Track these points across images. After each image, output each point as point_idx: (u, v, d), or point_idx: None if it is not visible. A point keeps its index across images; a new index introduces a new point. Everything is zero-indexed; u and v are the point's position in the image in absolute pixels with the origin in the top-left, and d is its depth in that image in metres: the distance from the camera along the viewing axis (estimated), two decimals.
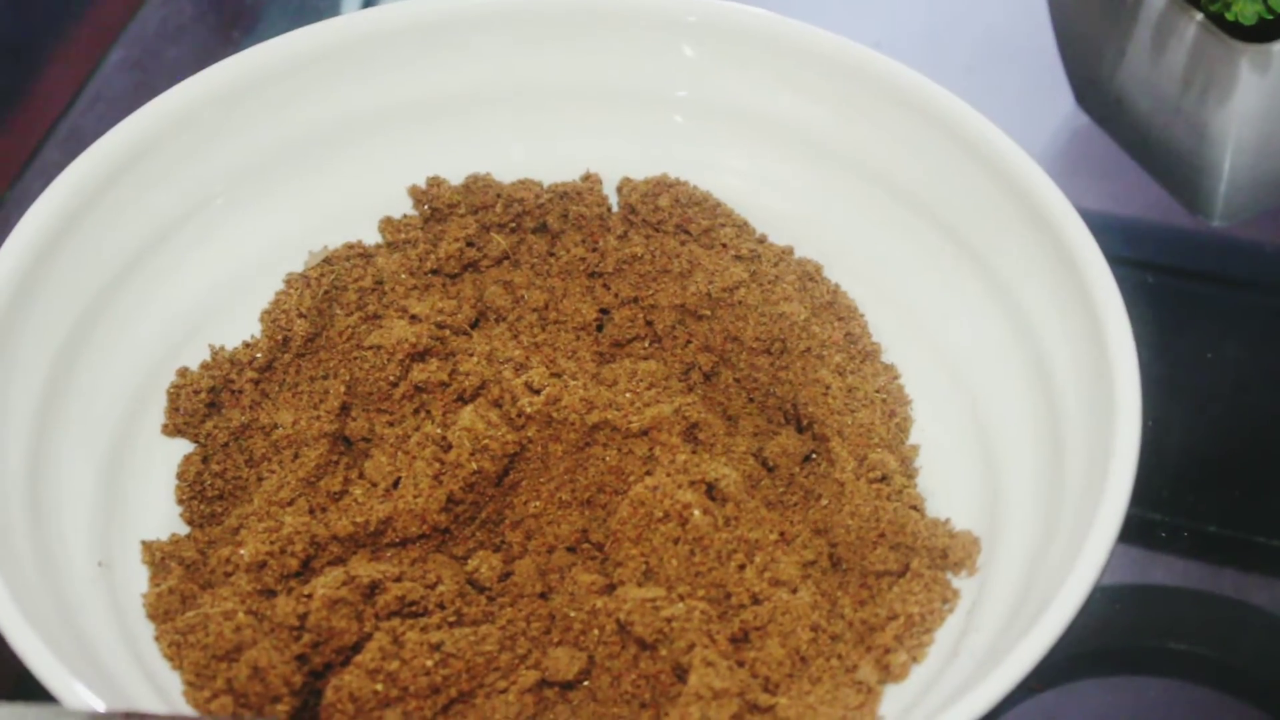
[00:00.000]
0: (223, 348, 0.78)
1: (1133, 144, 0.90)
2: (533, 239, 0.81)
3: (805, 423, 0.76)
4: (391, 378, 0.76)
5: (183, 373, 0.77)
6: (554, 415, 0.73)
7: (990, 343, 0.76)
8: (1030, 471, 0.73)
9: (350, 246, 0.81)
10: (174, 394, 0.77)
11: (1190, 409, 0.85)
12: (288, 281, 0.80)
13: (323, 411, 0.76)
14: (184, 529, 0.75)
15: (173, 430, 0.77)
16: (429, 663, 0.69)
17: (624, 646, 0.70)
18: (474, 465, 0.72)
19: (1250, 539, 0.82)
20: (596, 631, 0.70)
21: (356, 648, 0.70)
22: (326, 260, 0.80)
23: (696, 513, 0.71)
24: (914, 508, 0.74)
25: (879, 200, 0.80)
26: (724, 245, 0.80)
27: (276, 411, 0.77)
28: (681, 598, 0.70)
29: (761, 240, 0.81)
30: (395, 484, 0.74)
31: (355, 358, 0.77)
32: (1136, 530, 0.80)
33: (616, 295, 0.80)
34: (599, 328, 0.80)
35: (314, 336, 0.78)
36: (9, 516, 0.70)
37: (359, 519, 0.73)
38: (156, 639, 0.71)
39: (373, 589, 0.70)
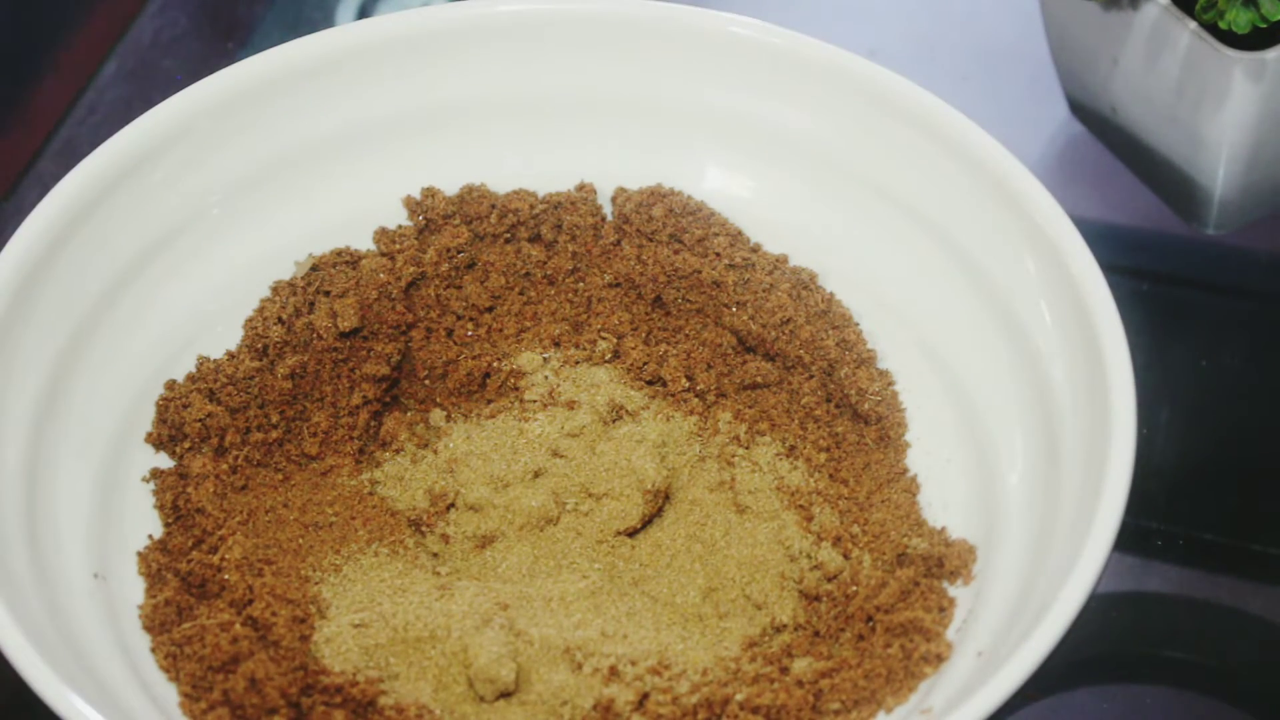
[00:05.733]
0: (208, 359, 0.78)
1: (1127, 153, 0.90)
2: (527, 248, 0.81)
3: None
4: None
5: (170, 385, 0.78)
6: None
7: (985, 351, 0.77)
8: (1026, 480, 0.73)
9: (339, 253, 0.81)
10: (162, 406, 0.77)
11: (1185, 417, 0.85)
12: (274, 289, 0.80)
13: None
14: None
15: (156, 441, 0.77)
16: None
17: None
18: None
19: (1246, 546, 0.82)
20: None
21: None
22: (314, 267, 0.80)
23: None
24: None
25: (873, 209, 0.80)
26: (717, 254, 0.80)
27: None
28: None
29: (755, 249, 0.81)
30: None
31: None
32: (1132, 538, 0.80)
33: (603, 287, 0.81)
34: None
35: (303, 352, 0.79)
36: (5, 528, 0.70)
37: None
38: (153, 650, 0.71)
39: None
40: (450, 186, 0.82)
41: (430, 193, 0.82)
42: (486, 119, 0.82)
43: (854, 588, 0.73)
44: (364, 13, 1.01)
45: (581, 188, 0.82)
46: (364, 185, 0.82)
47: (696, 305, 0.80)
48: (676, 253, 0.80)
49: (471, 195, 0.82)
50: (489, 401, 0.79)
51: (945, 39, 0.99)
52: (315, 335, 0.78)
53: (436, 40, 0.81)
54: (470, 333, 0.80)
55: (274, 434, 0.77)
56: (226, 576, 0.73)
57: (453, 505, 0.76)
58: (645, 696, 0.70)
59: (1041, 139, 0.94)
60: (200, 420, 0.77)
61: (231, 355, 0.79)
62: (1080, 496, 0.70)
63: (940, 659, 0.70)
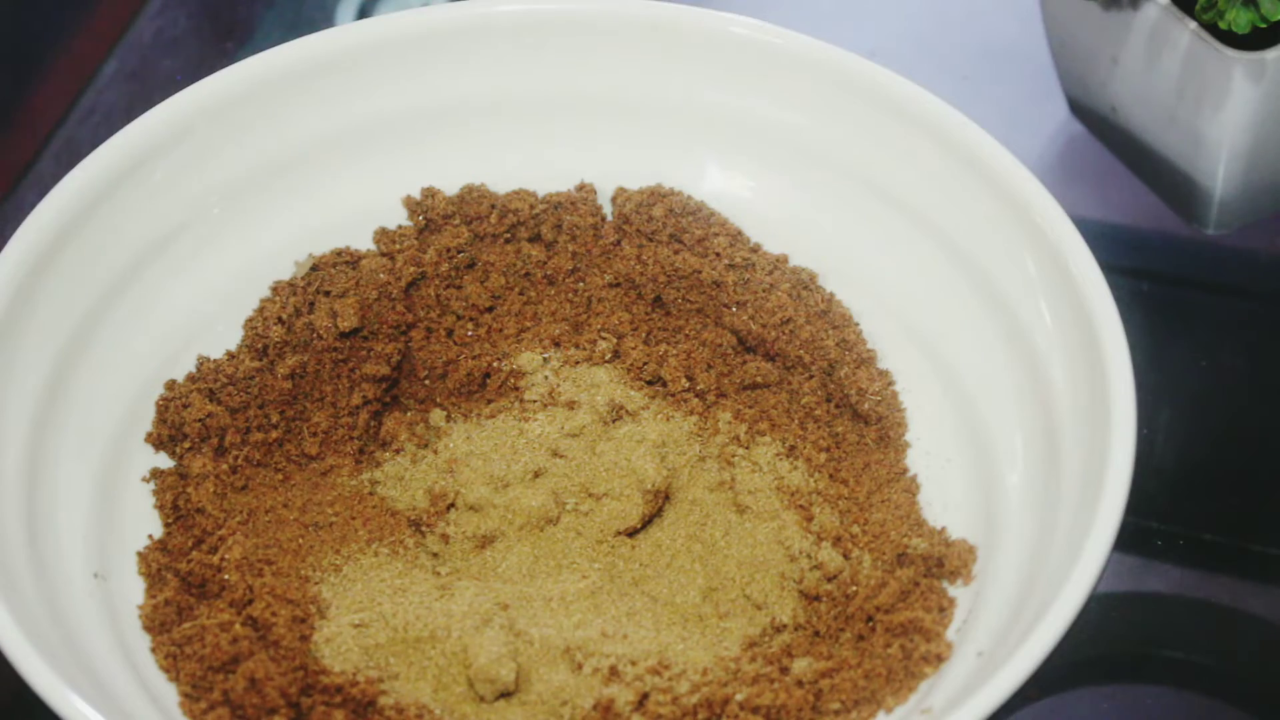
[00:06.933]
0: (208, 359, 0.78)
1: (1127, 153, 0.90)
2: (527, 248, 0.81)
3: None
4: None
5: (170, 385, 0.78)
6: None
7: (985, 350, 0.77)
8: (1026, 479, 0.73)
9: (339, 253, 0.81)
10: (162, 406, 0.77)
11: (1185, 417, 0.85)
12: (274, 289, 0.80)
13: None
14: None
15: (156, 441, 0.77)
16: None
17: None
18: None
19: (1246, 546, 0.82)
20: None
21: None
22: (314, 267, 0.80)
23: None
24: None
25: (874, 209, 0.80)
26: (717, 254, 0.80)
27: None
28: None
29: (755, 249, 0.81)
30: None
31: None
32: (1132, 538, 0.80)
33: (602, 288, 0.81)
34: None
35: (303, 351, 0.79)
36: (5, 528, 0.70)
37: None
38: (153, 650, 0.71)
39: None
40: (450, 186, 0.82)
41: (430, 193, 0.82)
42: (486, 119, 0.82)
43: (854, 588, 0.73)
44: (364, 13, 1.01)
45: (581, 188, 0.82)
46: (364, 185, 0.82)
47: (696, 305, 0.80)
48: (676, 253, 0.80)
49: (471, 195, 0.82)
50: (489, 401, 0.79)
51: (945, 39, 0.99)
52: (315, 335, 0.78)
53: (436, 40, 0.81)
54: (470, 333, 0.81)
55: (274, 434, 0.77)
56: (226, 576, 0.73)
57: (453, 505, 0.76)
58: (645, 696, 0.70)
59: (1042, 139, 0.94)
60: (200, 420, 0.77)
61: (231, 355, 0.79)
62: (1080, 496, 0.70)
63: (940, 659, 0.70)
